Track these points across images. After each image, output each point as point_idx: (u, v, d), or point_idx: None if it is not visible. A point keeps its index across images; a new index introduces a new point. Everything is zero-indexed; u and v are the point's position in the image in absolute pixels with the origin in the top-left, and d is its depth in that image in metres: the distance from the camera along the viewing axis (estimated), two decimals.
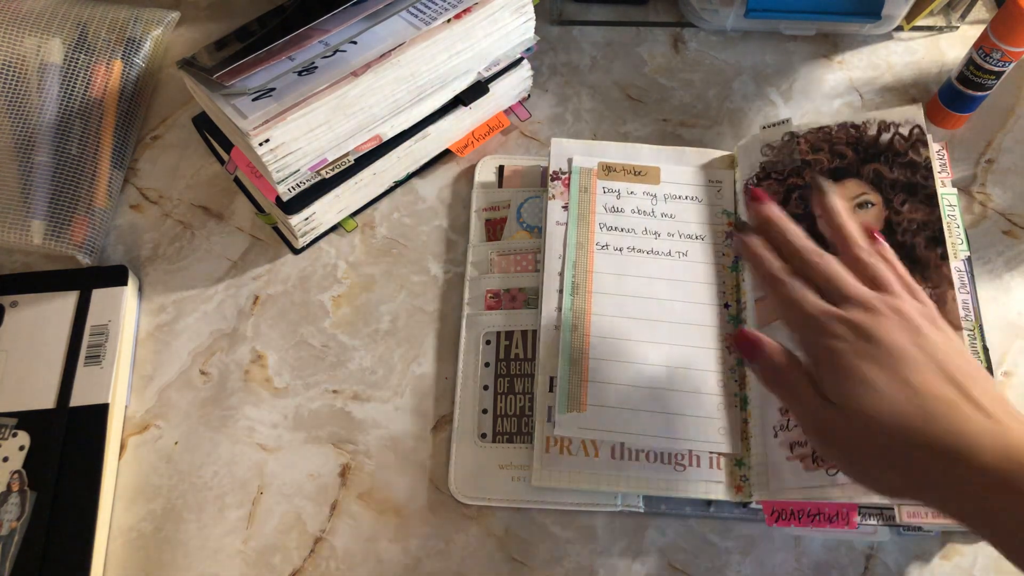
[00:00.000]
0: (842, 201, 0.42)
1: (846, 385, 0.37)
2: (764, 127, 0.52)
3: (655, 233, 0.51)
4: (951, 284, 0.44)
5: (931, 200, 0.46)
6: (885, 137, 0.48)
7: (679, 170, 0.53)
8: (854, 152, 0.49)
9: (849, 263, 0.40)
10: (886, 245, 0.41)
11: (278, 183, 0.47)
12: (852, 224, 0.41)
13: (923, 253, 0.45)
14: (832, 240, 0.41)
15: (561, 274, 0.49)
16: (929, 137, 0.48)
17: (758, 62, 0.62)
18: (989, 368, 0.46)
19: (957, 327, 0.43)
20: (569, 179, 0.52)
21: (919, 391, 0.35)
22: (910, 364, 0.36)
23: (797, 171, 0.49)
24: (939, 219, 0.46)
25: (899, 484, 0.36)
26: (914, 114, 0.48)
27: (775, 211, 0.42)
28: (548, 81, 0.61)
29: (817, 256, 0.40)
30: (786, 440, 0.44)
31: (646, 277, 0.49)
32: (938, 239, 0.45)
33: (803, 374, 0.38)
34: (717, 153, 0.54)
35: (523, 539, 0.45)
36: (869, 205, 0.47)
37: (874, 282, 0.39)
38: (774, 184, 0.50)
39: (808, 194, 0.47)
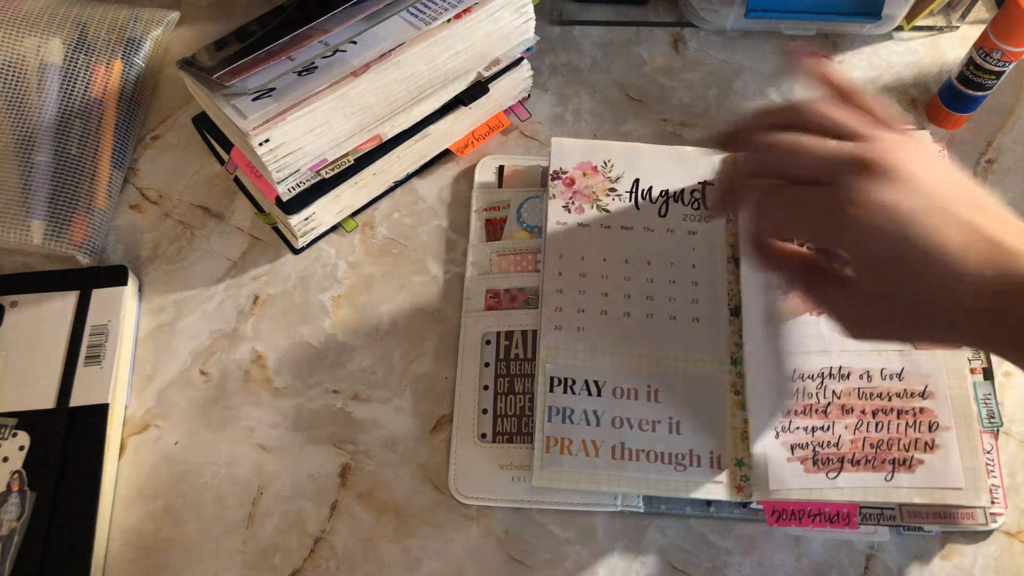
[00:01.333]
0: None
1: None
2: None
3: None
4: None
5: None
6: None
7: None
8: None
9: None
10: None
11: (278, 183, 0.47)
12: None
13: None
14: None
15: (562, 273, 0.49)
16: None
17: (758, 62, 0.62)
18: (990, 369, 0.46)
19: None
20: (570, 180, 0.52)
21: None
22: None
23: None
24: None
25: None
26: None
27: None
28: (548, 81, 0.61)
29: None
30: (787, 441, 0.44)
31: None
32: None
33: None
34: (718, 153, 0.54)
35: (523, 539, 0.45)
36: None
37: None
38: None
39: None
